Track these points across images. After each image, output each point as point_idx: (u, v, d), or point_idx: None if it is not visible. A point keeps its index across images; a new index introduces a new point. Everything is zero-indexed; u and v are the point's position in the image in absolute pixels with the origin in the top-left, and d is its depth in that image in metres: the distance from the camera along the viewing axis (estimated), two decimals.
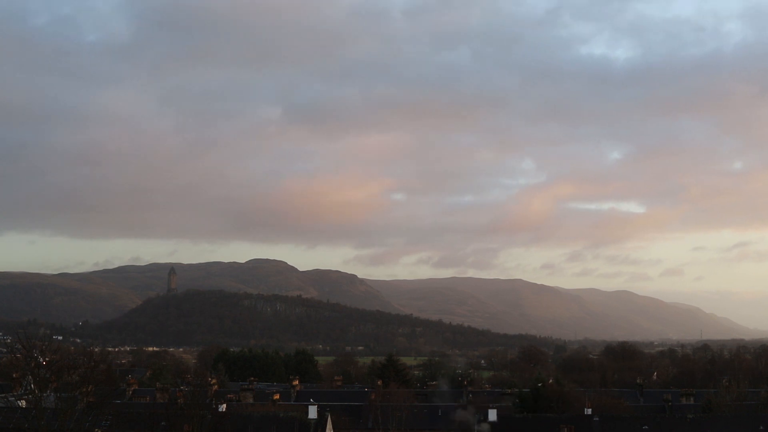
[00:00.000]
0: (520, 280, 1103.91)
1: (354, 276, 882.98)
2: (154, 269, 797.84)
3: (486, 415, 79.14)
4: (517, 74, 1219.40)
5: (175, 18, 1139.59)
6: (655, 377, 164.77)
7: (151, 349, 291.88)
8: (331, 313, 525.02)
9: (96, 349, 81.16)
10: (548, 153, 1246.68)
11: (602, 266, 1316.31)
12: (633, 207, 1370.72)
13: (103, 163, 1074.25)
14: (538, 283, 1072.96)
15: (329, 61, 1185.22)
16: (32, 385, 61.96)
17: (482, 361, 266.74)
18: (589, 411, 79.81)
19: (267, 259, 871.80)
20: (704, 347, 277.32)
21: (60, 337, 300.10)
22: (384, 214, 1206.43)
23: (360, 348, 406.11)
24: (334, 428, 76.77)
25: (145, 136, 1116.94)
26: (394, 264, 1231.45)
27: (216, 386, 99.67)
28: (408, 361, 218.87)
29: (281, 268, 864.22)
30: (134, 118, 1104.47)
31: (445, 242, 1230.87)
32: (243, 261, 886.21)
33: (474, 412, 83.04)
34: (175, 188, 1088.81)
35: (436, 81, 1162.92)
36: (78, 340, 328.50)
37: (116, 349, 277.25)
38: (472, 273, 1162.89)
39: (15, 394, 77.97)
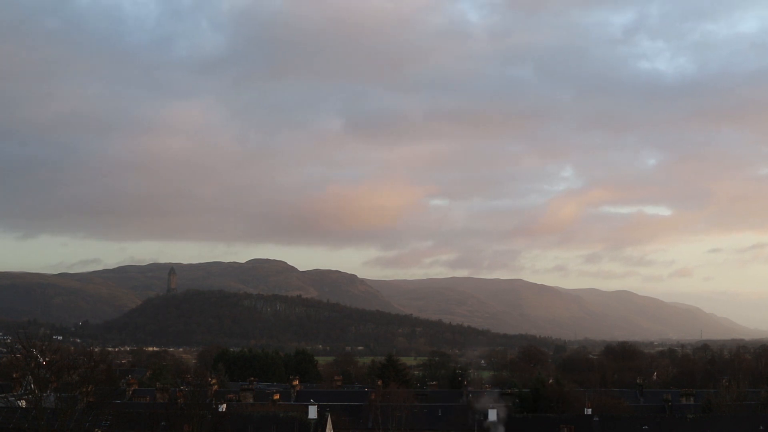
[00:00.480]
0: (520, 280, 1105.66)
1: (354, 276, 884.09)
2: (154, 269, 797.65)
3: (486, 415, 79.15)
4: (574, 88, 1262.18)
5: (265, 36, 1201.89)
6: (655, 377, 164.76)
7: (151, 349, 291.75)
8: (331, 313, 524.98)
9: (96, 349, 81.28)
10: (588, 160, 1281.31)
11: (617, 267, 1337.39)
12: (660, 210, 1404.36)
13: (156, 170, 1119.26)
14: (539, 283, 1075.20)
15: (400, 76, 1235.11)
16: (32, 385, 62.00)
17: (482, 361, 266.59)
18: (589, 411, 79.86)
19: (267, 259, 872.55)
20: (704, 347, 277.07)
21: (60, 337, 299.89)
22: (418, 218, 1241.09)
23: (360, 348, 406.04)
24: (334, 428, 76.76)
25: (205, 145, 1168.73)
26: (413, 265, 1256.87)
27: (216, 386, 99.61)
28: (408, 361, 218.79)
29: (281, 268, 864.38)
30: (202, 128, 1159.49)
31: (468, 245, 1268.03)
32: (243, 261, 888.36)
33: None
34: (219, 194, 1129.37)
35: (495, 94, 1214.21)
36: (78, 340, 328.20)
37: (116, 349, 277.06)
38: (484, 274, 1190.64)
39: (15, 394, 77.98)
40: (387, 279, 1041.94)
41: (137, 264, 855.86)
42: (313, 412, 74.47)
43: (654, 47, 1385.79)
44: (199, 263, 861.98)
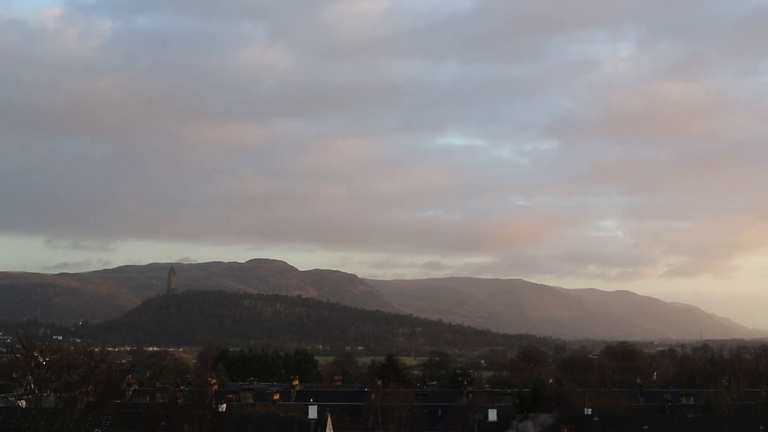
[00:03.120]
0: (520, 280, 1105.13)
1: (354, 276, 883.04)
2: (155, 269, 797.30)
3: (486, 415, 79.20)
4: None
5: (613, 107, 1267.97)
6: (655, 377, 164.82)
7: (151, 349, 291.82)
8: (331, 313, 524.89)
9: (96, 349, 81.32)
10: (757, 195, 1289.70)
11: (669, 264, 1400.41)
12: None
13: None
14: (538, 283, 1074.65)
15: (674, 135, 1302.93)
16: (32, 385, 62.11)
17: (482, 361, 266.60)
18: (589, 411, 79.84)
19: (267, 259, 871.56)
20: (704, 347, 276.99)
21: (60, 337, 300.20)
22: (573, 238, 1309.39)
23: (360, 348, 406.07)
24: (334, 428, 76.80)
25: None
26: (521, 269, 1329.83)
27: (216, 386, 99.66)
28: (408, 361, 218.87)
29: (281, 268, 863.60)
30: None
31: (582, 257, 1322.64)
32: (243, 261, 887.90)
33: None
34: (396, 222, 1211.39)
35: (741, 148, 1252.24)
36: (78, 340, 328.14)
37: (116, 349, 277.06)
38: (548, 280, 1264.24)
39: (15, 394, 78.09)
40: (387, 279, 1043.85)
41: (137, 264, 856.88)
42: (313, 412, 74.50)
43: None
44: (199, 263, 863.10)
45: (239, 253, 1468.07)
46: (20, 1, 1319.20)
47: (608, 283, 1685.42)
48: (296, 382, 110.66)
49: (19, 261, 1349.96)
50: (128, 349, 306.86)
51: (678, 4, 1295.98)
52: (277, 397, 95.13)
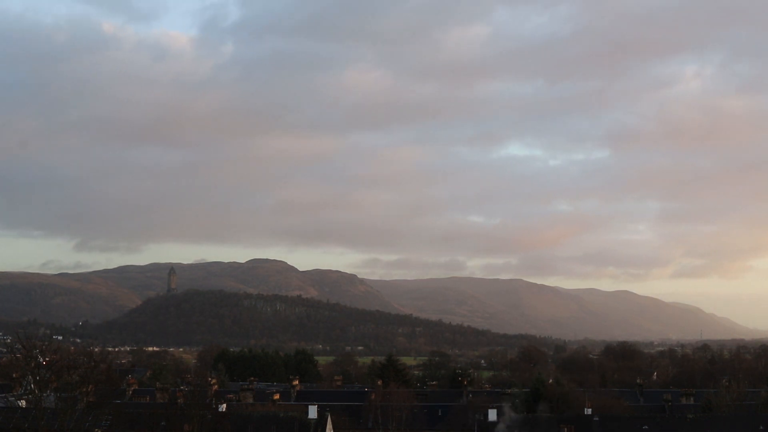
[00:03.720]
0: (521, 280, 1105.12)
1: (354, 276, 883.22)
2: (154, 269, 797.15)
3: (486, 415, 79.20)
4: None
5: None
6: (655, 377, 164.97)
7: (151, 349, 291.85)
8: (331, 313, 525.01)
9: (96, 349, 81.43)
10: None
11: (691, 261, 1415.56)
12: None
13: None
14: (538, 282, 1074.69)
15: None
16: (32, 385, 62.15)
17: (482, 361, 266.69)
18: (589, 411, 79.88)
19: (267, 259, 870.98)
20: (704, 347, 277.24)
21: (60, 337, 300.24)
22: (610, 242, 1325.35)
23: (360, 348, 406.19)
24: (334, 428, 76.82)
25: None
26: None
27: (216, 386, 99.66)
28: (408, 361, 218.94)
29: (281, 268, 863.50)
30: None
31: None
32: (243, 261, 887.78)
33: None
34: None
35: None
36: (78, 340, 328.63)
37: (116, 349, 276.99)
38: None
39: (15, 394, 78.06)
40: (387, 279, 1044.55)
41: (137, 264, 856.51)
42: (313, 412, 74.51)
43: None
44: (199, 263, 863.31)
45: (242, 253, 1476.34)
46: (156, 25, 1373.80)
47: (611, 284, 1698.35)
48: (296, 382, 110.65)
49: (43, 262, 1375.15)
50: (128, 349, 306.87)
51: (762, 28, 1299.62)
52: (277, 397, 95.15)
